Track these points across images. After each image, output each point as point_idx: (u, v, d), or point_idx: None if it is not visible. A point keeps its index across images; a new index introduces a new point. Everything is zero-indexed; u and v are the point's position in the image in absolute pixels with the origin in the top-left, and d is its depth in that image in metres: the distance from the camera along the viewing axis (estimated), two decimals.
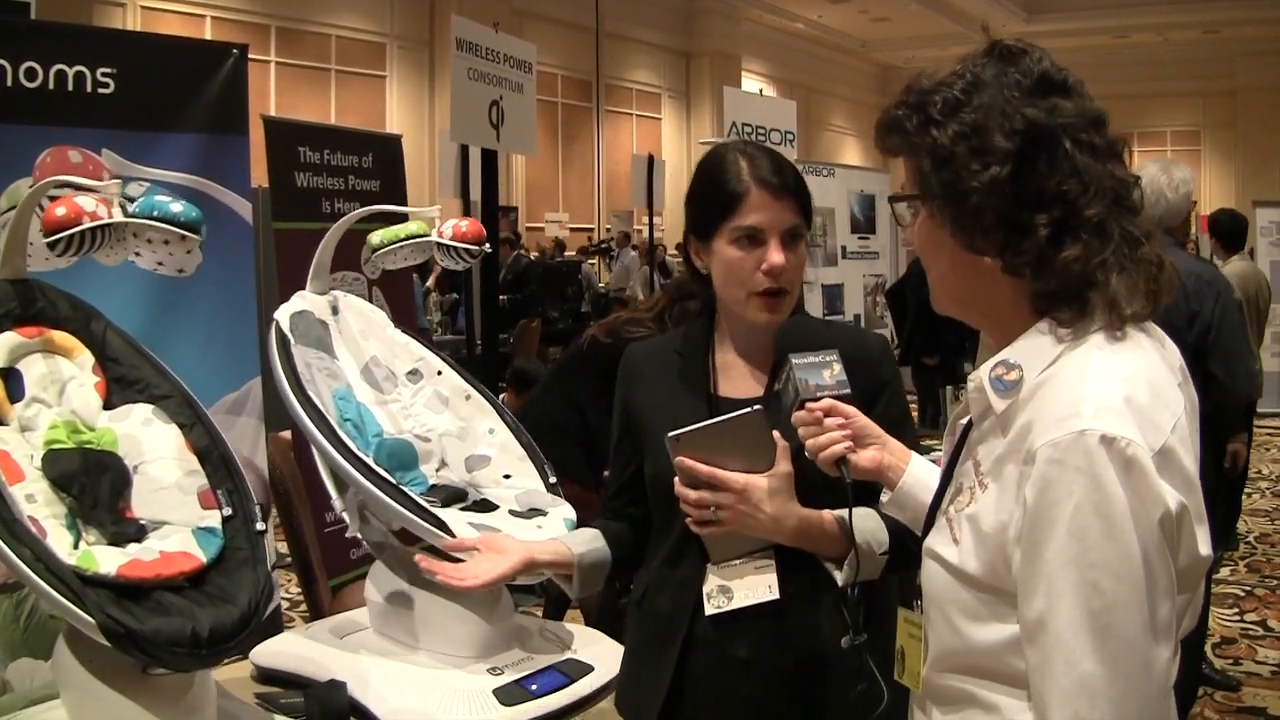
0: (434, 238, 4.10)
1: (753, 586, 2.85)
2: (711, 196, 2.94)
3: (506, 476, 3.94)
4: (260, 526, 3.23)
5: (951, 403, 7.82)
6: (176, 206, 3.21)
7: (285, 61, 23.82)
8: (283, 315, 3.93)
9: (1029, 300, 2.01)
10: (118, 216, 3.15)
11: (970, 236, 2.01)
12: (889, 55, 42.42)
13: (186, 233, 3.22)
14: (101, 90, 5.15)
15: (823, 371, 2.60)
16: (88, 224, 3.08)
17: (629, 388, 3.14)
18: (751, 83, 34.70)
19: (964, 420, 2.21)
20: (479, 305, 12.17)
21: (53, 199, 3.16)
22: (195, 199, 4.97)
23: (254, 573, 3.09)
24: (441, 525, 3.40)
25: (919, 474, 2.56)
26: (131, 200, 3.24)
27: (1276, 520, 11.91)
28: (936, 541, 2.13)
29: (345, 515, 3.75)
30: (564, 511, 3.74)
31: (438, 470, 3.90)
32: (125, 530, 3.06)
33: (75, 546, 2.89)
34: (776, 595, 2.83)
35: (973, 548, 2.00)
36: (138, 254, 3.28)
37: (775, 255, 2.84)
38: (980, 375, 2.05)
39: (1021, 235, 1.97)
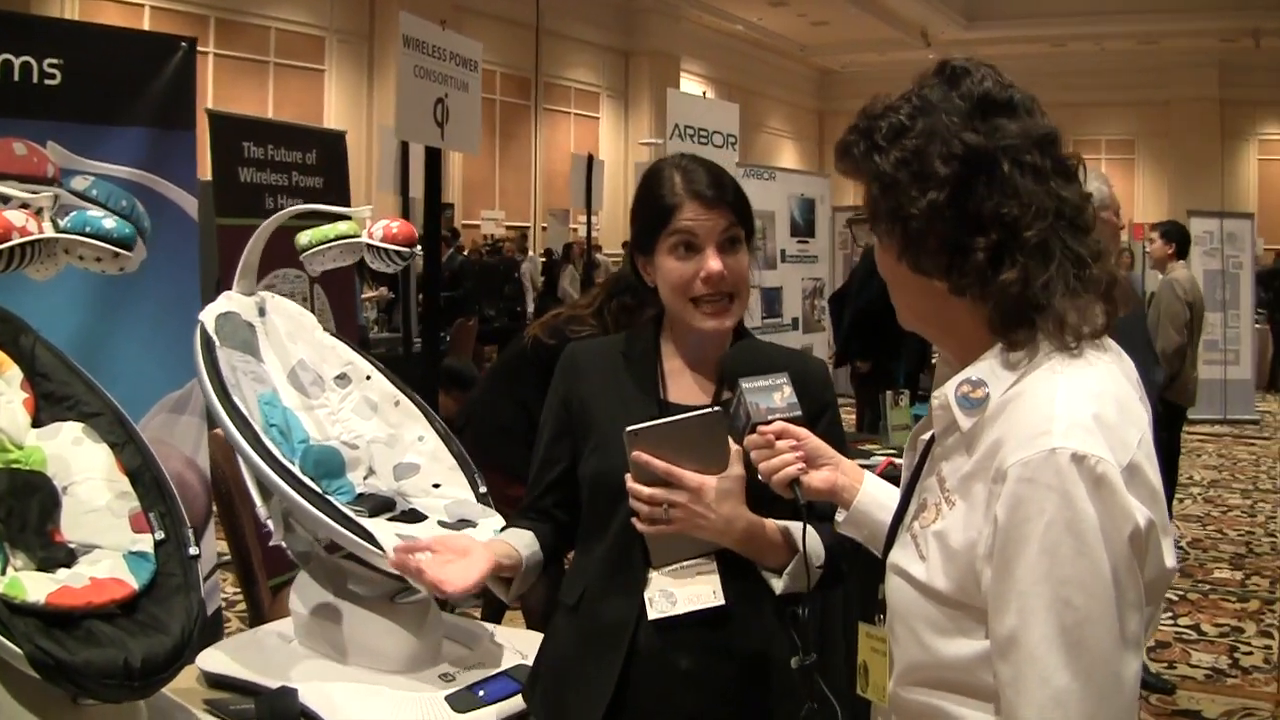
0: (364, 239, 4.03)
1: (697, 591, 2.84)
2: (649, 210, 2.97)
3: (436, 486, 3.86)
4: (194, 551, 3.16)
5: (890, 408, 7.84)
6: (109, 223, 3.14)
7: (224, 53, 23.66)
8: (208, 316, 3.84)
9: (985, 322, 2.02)
10: (49, 232, 3.08)
11: (916, 258, 2.04)
12: (827, 59, 42.58)
13: (119, 249, 3.16)
14: (48, 81, 5.07)
15: (773, 394, 2.63)
16: (17, 239, 3.01)
17: (570, 385, 3.12)
18: (690, 84, 34.75)
19: (925, 436, 2.22)
20: (415, 304, 12.12)
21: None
22: (141, 194, 4.94)
23: (187, 600, 3.02)
24: (368, 536, 3.30)
25: (874, 493, 2.58)
26: (67, 211, 3.18)
27: (1208, 525, 12.04)
28: (901, 558, 2.14)
29: (270, 523, 3.68)
30: (494, 523, 3.67)
31: (365, 478, 3.81)
32: (54, 555, 2.97)
33: (2, 572, 2.81)
34: (722, 600, 2.83)
35: (940, 564, 2.01)
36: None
37: (712, 262, 2.86)
38: (945, 392, 2.06)
39: (963, 258, 1.99)
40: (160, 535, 3.11)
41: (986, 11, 35.81)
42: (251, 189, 6.84)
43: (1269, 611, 9.18)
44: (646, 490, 2.73)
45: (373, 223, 4.02)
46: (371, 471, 3.85)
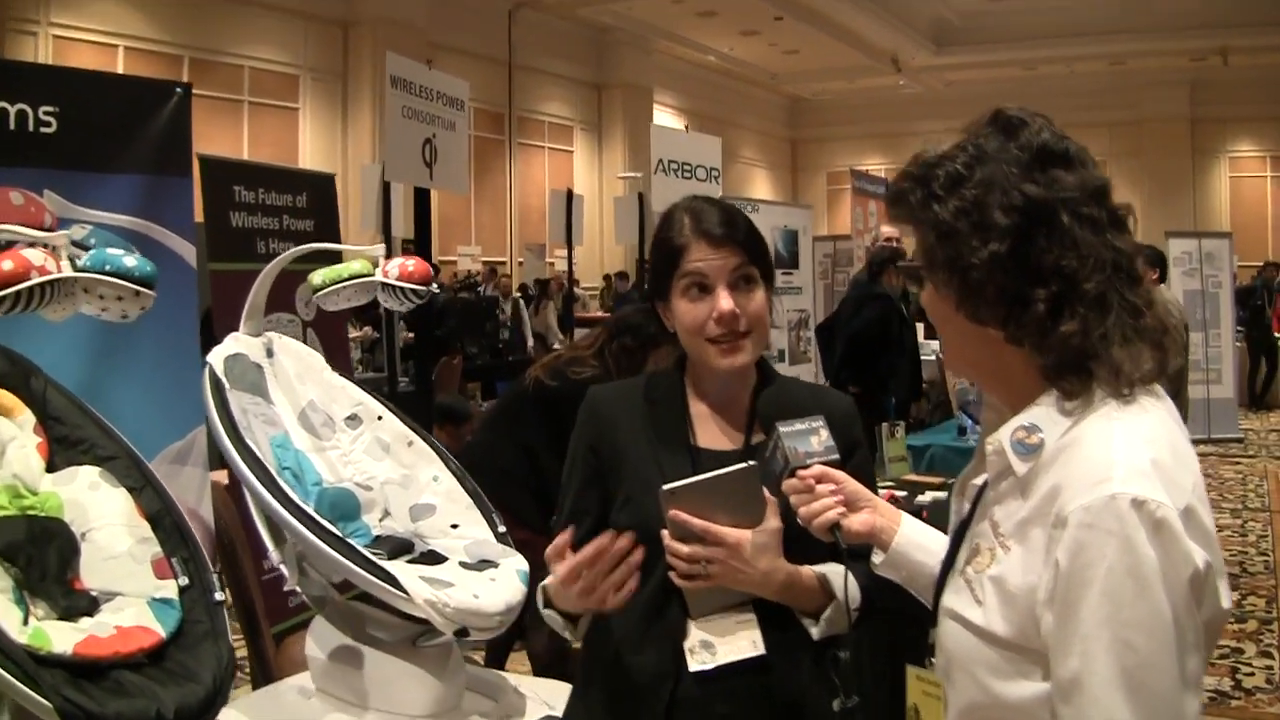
0: (378, 277, 3.98)
1: (736, 641, 2.82)
2: (661, 254, 2.97)
3: (454, 526, 3.84)
4: (219, 596, 3.12)
5: (887, 439, 7.82)
6: (130, 260, 3.09)
7: (198, 93, 23.40)
8: (216, 358, 3.80)
9: (1038, 369, 2.03)
10: (67, 271, 3.02)
11: (974, 308, 2.05)
12: (799, 87, 42.64)
13: (141, 288, 3.09)
14: (44, 129, 5.03)
15: (810, 438, 2.61)
16: (36, 279, 2.94)
17: (596, 432, 3.07)
18: (663, 115, 34.82)
19: (977, 481, 2.23)
20: (398, 343, 12.06)
21: None
22: (137, 241, 4.90)
23: (216, 647, 2.98)
24: (391, 580, 3.27)
25: (911, 534, 2.58)
26: (83, 249, 3.12)
27: None
28: (955, 602, 2.14)
29: (283, 568, 3.62)
30: (516, 562, 3.64)
31: (381, 520, 3.79)
32: (76, 603, 2.93)
33: (25, 623, 2.76)
34: (762, 650, 2.80)
35: (999, 609, 2.02)
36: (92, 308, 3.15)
37: (723, 302, 2.85)
38: (1000, 438, 2.07)
39: (1022, 308, 2.00)
40: (184, 581, 3.08)
41: (955, 37, 35.85)
42: (244, 233, 6.78)
43: (1267, 631, 9.16)
44: (686, 549, 2.71)
45: (386, 261, 3.98)
46: (387, 513, 3.82)
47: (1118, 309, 1.98)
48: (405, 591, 3.19)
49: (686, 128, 14.41)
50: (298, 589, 3.65)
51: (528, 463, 6.18)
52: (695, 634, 2.82)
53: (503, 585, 3.47)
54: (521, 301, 22.19)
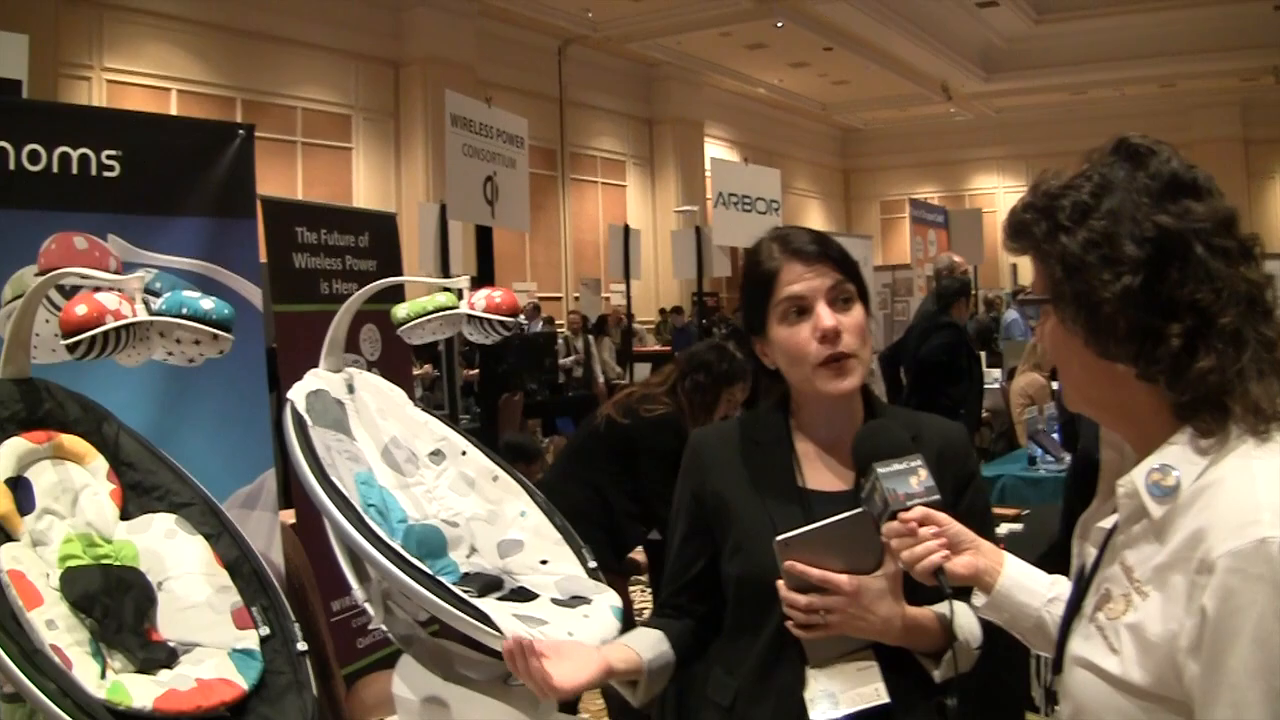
0: (464, 309, 3.90)
1: (859, 690, 2.71)
2: (753, 284, 2.88)
3: (543, 562, 3.73)
4: (302, 646, 3.03)
5: None
6: (207, 303, 3.00)
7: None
8: (298, 395, 3.72)
9: (1169, 406, 1.96)
10: (142, 315, 2.93)
11: (1104, 344, 1.97)
12: (849, 117, 42.64)
13: (219, 331, 3.01)
14: (107, 173, 4.94)
15: (909, 479, 2.50)
16: (111, 324, 2.86)
17: (701, 478, 2.98)
18: (714, 148, 34.89)
19: (1105, 524, 2.14)
20: (459, 380, 12.01)
21: (64, 292, 2.95)
22: (202, 284, 4.83)
23: (300, 699, 2.91)
24: (484, 619, 3.14)
25: (1016, 575, 2.49)
26: (155, 295, 3.04)
27: None
28: (1086, 650, 2.06)
29: (368, 607, 3.52)
30: (609, 599, 3.53)
31: (468, 556, 3.70)
32: (155, 655, 2.85)
33: (103, 676, 2.68)
34: (886, 699, 2.69)
35: (1136, 657, 1.94)
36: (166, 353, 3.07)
37: (825, 319, 2.75)
38: (1134, 480, 1.98)
39: (1155, 344, 1.92)
40: (265, 631, 3.00)
41: (1005, 63, 35.76)
42: (306, 274, 6.71)
43: None
44: (803, 599, 2.62)
45: (472, 293, 3.90)
46: (474, 549, 3.73)
47: (1254, 343, 1.90)
48: (499, 630, 3.08)
49: (745, 160, 14.30)
50: (383, 628, 3.54)
51: (600, 501, 6.12)
52: (816, 684, 2.73)
53: (597, 622, 3.37)
54: (591, 338, 22.09)
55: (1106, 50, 33.65)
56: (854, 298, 2.82)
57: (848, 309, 2.79)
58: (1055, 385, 13.74)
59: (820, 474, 2.87)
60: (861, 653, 2.73)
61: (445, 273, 11.62)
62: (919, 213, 17.52)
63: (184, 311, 2.97)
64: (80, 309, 2.84)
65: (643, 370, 18.09)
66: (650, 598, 7.65)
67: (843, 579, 2.60)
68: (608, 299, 27.88)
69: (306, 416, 3.61)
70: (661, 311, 29.44)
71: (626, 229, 18.83)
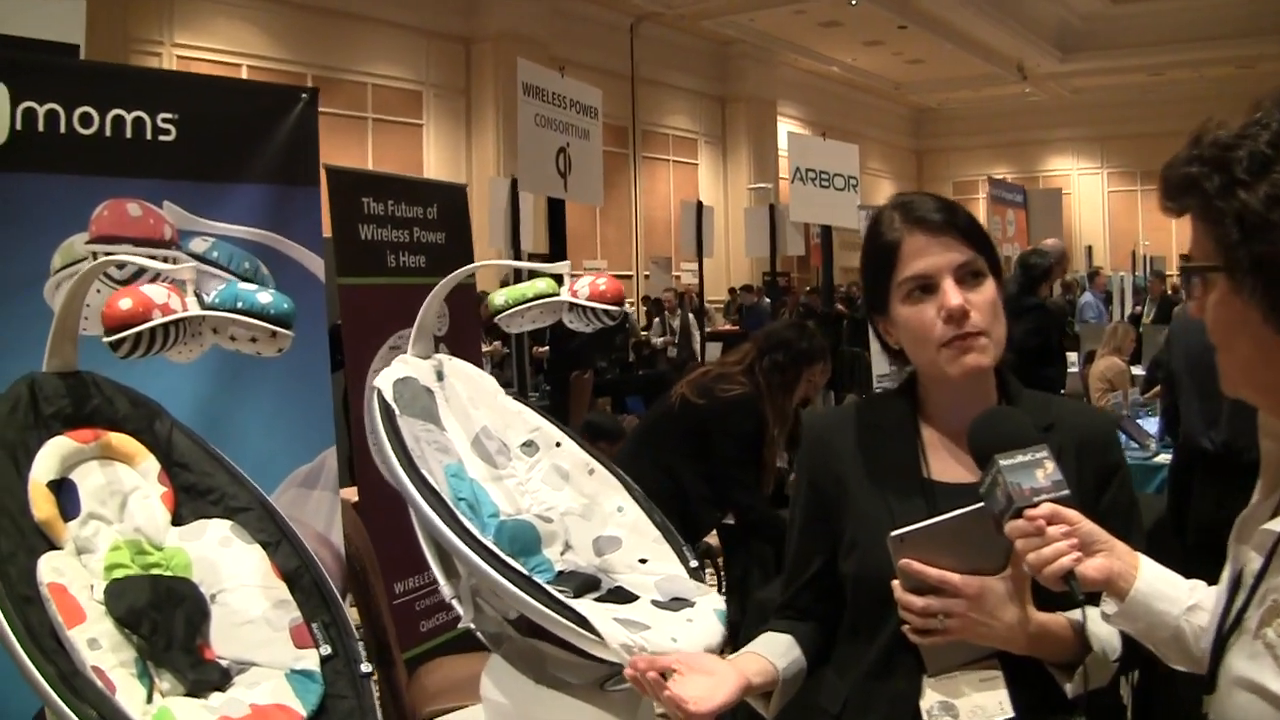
0: (565, 297, 3.66)
1: (981, 703, 2.46)
2: (874, 259, 2.60)
3: (642, 561, 3.49)
4: (366, 668, 2.80)
5: None
6: (265, 297, 2.74)
7: (323, 110, 23.55)
8: (385, 383, 3.50)
9: None
10: (194, 309, 2.68)
11: None
12: (923, 97, 42.40)
13: (277, 328, 2.76)
14: (162, 138, 4.72)
15: (1035, 472, 2.22)
16: (159, 319, 2.61)
17: (818, 465, 2.74)
18: (787, 126, 34.64)
19: (1273, 526, 1.86)
20: (528, 358, 11.85)
21: (112, 281, 2.72)
22: (263, 254, 4.64)
23: None
24: (582, 621, 2.93)
25: (1153, 581, 2.20)
26: (213, 264, 2.80)
27: None
28: (1255, 671, 1.80)
29: (456, 604, 3.29)
30: (713, 601, 3.30)
31: (562, 554, 3.49)
32: (206, 676, 2.64)
33: (149, 700, 2.46)
34: (1011, 713, 2.43)
35: None
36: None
37: (951, 297, 2.46)
38: None
39: None
40: (326, 650, 2.76)
41: (1081, 43, 35.42)
42: (373, 246, 6.52)
43: None
44: (920, 602, 2.35)
45: (574, 280, 3.66)
46: (568, 546, 3.51)
47: None
48: (598, 634, 2.86)
49: (825, 135, 14.04)
50: (472, 626, 3.31)
51: (672, 484, 5.93)
52: (933, 694, 2.48)
53: (700, 627, 3.15)
54: (692, 316, 21.90)
55: (1184, 30, 33.28)
56: (984, 272, 2.54)
57: (977, 284, 2.51)
58: (1136, 370, 13.50)
59: (948, 465, 2.61)
60: (985, 662, 2.48)
61: (516, 249, 11.45)
62: (998, 192, 17.24)
63: (239, 306, 2.72)
64: (124, 303, 2.61)
65: (714, 351, 17.86)
66: (717, 583, 7.43)
67: (964, 580, 2.34)
68: (678, 278, 27.70)
69: (394, 405, 3.42)
70: (731, 291, 29.18)
71: (700, 206, 18.65)
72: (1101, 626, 2.37)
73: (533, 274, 3.86)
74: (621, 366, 18.41)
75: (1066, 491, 2.20)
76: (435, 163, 25.85)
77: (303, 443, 5.21)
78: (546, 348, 14.74)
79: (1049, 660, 2.44)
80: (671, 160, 33.49)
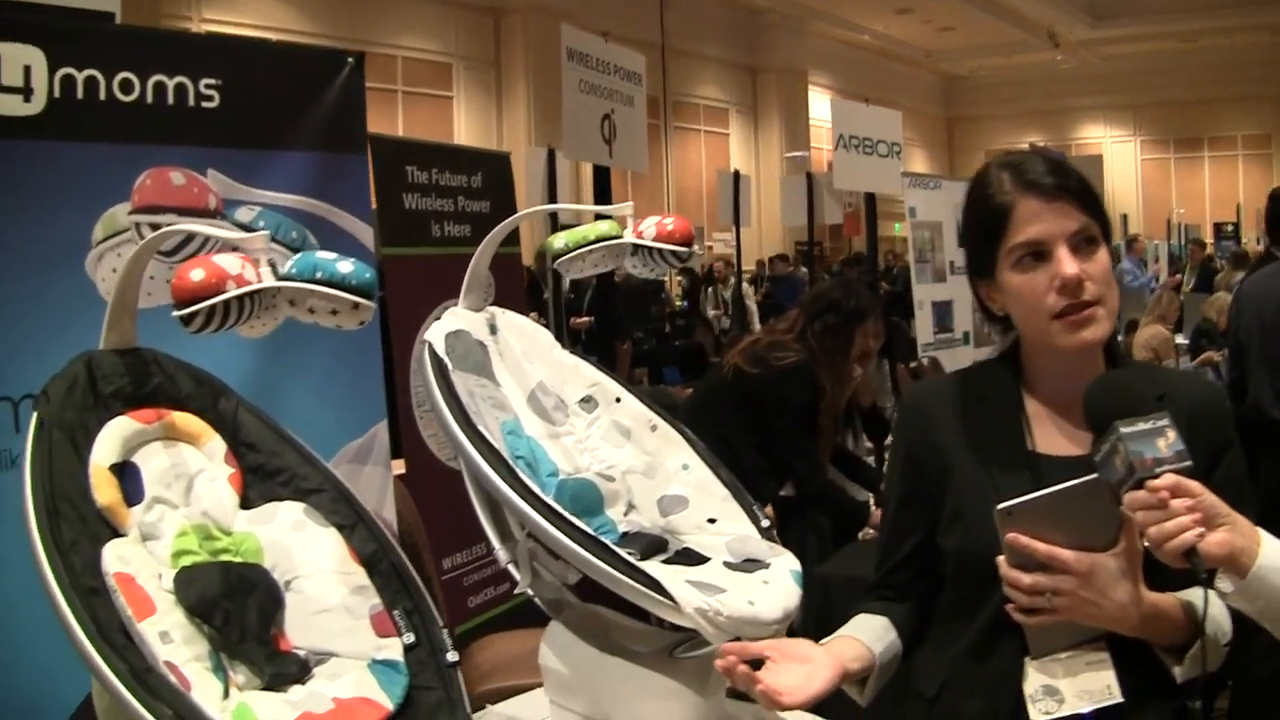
0: (630, 239, 3.47)
1: (1087, 687, 2.34)
2: (980, 222, 2.50)
3: (711, 521, 3.31)
4: (452, 657, 2.65)
5: None
6: (345, 266, 2.55)
7: None
8: (436, 336, 3.31)
9: None
10: (268, 280, 2.51)
11: None
12: (953, 65, 42.25)
13: (360, 299, 2.59)
14: (205, 104, 4.56)
15: (1157, 440, 2.11)
16: (233, 290, 2.45)
17: (917, 437, 2.63)
18: (818, 95, 34.58)
19: None
20: (565, 327, 11.71)
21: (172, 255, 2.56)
22: (310, 223, 4.50)
23: (452, 718, 2.53)
24: (655, 585, 2.76)
25: (1274, 557, 2.11)
26: (283, 246, 2.64)
27: None
28: None
29: (512, 568, 3.12)
30: (788, 562, 3.11)
31: (626, 514, 3.29)
32: (284, 668, 2.49)
33: (225, 695, 2.32)
34: (1119, 698, 2.31)
35: None
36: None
37: (1066, 265, 2.35)
38: None
39: None
40: (409, 638, 2.61)
41: (1113, 10, 35.26)
42: (417, 216, 6.39)
43: None
44: (1027, 579, 2.23)
45: (638, 221, 3.46)
46: (631, 506, 3.31)
47: None
48: (672, 598, 2.70)
49: (867, 101, 13.89)
50: (529, 591, 3.14)
51: (729, 456, 5.77)
52: (1037, 677, 2.37)
53: (777, 589, 2.96)
54: (748, 286, 21.79)
55: None
56: (1098, 239, 2.42)
57: (1091, 252, 2.40)
58: (1180, 339, 13.36)
59: (1053, 437, 2.50)
60: (1093, 643, 2.36)
61: (553, 217, 11.30)
62: None
63: (318, 276, 2.54)
64: (196, 274, 2.42)
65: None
66: None
67: (1074, 556, 2.21)
68: (710, 248, 27.56)
69: (446, 359, 3.23)
70: (758, 263, 28.95)
71: (736, 175, 18.49)
72: (1216, 608, 2.26)
73: (597, 217, 3.69)
74: (658, 337, 18.28)
75: (1189, 462, 2.10)
76: (466, 135, 25.78)
77: (354, 416, 5.08)
78: (586, 318, 14.62)
79: (1158, 643, 2.33)
80: (703, 130, 33.46)
